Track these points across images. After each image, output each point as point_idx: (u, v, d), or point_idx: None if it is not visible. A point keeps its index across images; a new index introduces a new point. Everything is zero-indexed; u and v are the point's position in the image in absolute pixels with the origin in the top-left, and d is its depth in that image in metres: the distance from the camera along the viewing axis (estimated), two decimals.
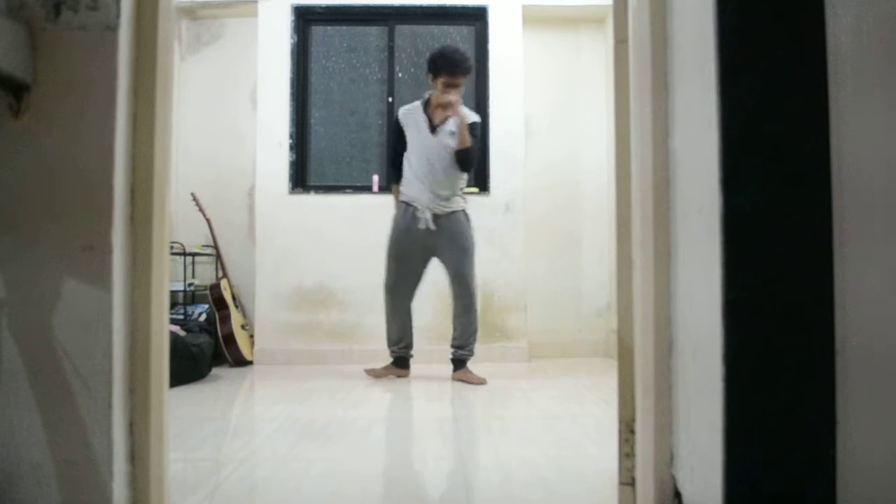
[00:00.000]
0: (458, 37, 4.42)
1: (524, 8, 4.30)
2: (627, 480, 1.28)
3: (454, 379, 3.42)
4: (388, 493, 1.66)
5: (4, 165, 1.09)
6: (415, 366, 3.62)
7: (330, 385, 3.31)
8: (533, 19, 4.42)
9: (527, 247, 4.25)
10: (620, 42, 1.33)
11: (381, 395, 3.08)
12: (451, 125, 3.39)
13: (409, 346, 3.54)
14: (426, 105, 3.47)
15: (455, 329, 3.47)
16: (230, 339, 3.94)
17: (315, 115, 4.39)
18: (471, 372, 3.42)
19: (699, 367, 1.00)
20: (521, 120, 4.28)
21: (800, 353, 0.89)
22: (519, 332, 4.19)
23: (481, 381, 3.33)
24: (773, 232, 0.91)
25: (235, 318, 4.00)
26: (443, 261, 3.45)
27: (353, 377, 3.49)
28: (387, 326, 3.52)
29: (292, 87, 4.24)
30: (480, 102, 4.31)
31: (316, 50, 4.40)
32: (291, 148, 4.23)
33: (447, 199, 3.42)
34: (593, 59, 4.55)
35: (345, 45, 4.42)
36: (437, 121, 3.43)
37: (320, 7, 4.31)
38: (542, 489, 1.64)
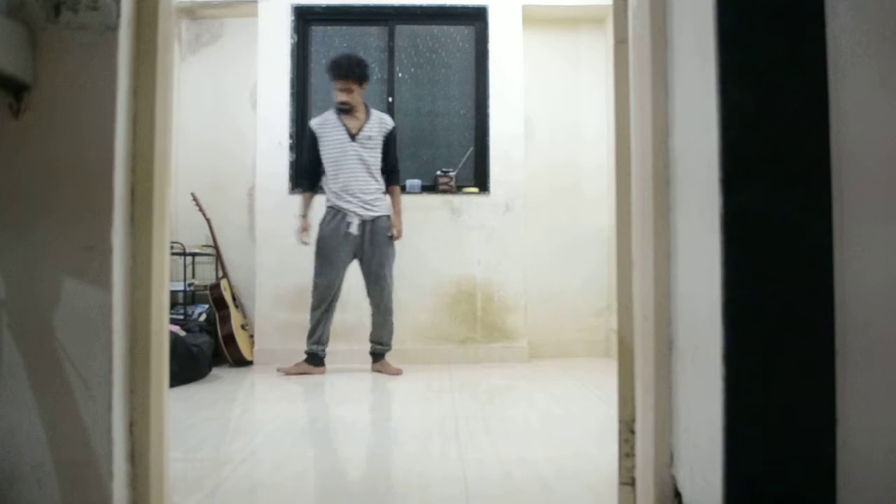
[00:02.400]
0: (458, 37, 4.42)
1: (524, 8, 4.30)
2: (627, 480, 1.28)
3: (374, 370, 3.70)
4: (388, 493, 1.66)
5: (4, 165, 1.09)
6: (415, 366, 3.62)
7: (330, 385, 3.31)
8: (533, 19, 4.42)
9: (527, 247, 4.25)
10: (620, 42, 1.33)
11: (382, 396, 3.08)
12: (367, 130, 3.62)
13: (327, 343, 3.72)
14: (338, 112, 3.65)
15: (373, 326, 3.70)
16: (230, 339, 3.94)
17: (315, 116, 4.38)
18: (388, 364, 3.68)
19: (699, 367, 1.00)
20: (520, 120, 4.28)
21: (800, 353, 0.89)
22: (519, 332, 4.19)
23: (397, 372, 3.60)
24: (773, 232, 0.91)
25: (235, 318, 4.00)
26: (365, 263, 3.62)
27: (353, 377, 3.49)
28: (315, 324, 3.63)
29: (292, 87, 4.24)
30: (480, 102, 4.31)
31: (316, 50, 4.40)
32: (291, 148, 4.23)
33: (372, 203, 3.62)
34: (593, 59, 4.55)
35: (345, 45, 4.41)
36: (353, 128, 3.61)
37: (320, 7, 4.31)
38: (541, 489, 1.64)
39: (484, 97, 4.29)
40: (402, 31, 4.40)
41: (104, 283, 1.07)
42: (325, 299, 3.60)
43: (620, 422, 1.29)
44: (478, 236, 4.19)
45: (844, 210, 0.89)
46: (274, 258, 4.15)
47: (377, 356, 3.71)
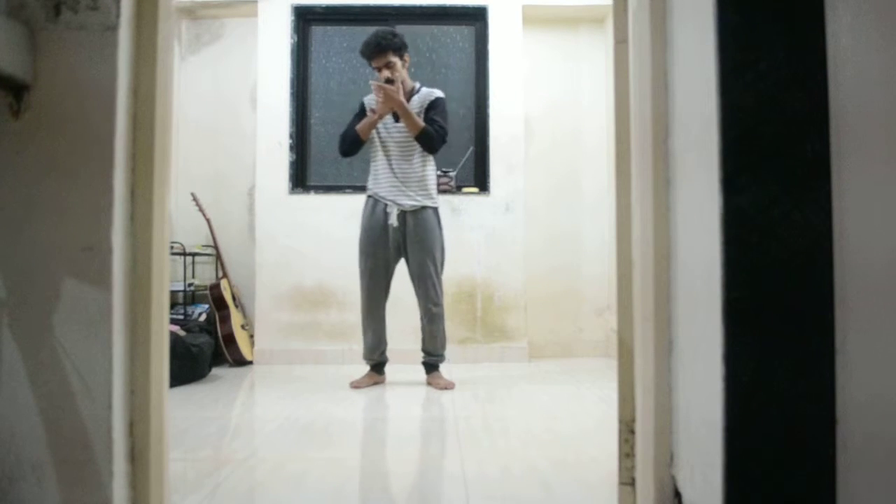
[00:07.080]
0: (458, 37, 4.42)
1: (524, 8, 4.30)
2: (627, 480, 1.28)
3: (427, 383, 3.34)
4: (388, 493, 1.66)
5: (4, 165, 1.09)
6: (415, 366, 3.62)
7: (330, 385, 3.31)
8: (533, 19, 4.42)
9: (527, 247, 4.25)
10: (620, 42, 1.33)
11: (382, 396, 3.08)
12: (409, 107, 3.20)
13: (385, 349, 3.38)
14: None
15: (423, 333, 3.32)
16: (230, 339, 3.94)
17: (315, 115, 4.39)
18: (440, 376, 3.32)
19: (699, 368, 1.00)
20: (520, 120, 4.28)
21: (800, 353, 0.89)
22: (519, 332, 4.19)
23: (448, 386, 3.23)
24: (773, 231, 0.91)
25: (235, 318, 4.00)
26: (409, 261, 3.25)
27: (354, 377, 3.48)
28: (365, 332, 3.30)
29: (292, 87, 4.24)
30: (480, 103, 4.31)
31: (316, 50, 4.40)
32: (291, 148, 4.23)
33: (414, 191, 3.22)
34: (593, 59, 4.55)
35: (345, 45, 4.42)
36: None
37: (320, 7, 4.31)
38: (541, 489, 1.64)
39: (484, 97, 4.29)
40: (402, 31, 4.39)
41: (104, 283, 1.07)
42: (374, 302, 3.21)
43: (620, 422, 1.29)
44: (478, 236, 4.19)
45: (844, 209, 0.89)
46: (274, 258, 4.15)
47: (429, 367, 3.35)
